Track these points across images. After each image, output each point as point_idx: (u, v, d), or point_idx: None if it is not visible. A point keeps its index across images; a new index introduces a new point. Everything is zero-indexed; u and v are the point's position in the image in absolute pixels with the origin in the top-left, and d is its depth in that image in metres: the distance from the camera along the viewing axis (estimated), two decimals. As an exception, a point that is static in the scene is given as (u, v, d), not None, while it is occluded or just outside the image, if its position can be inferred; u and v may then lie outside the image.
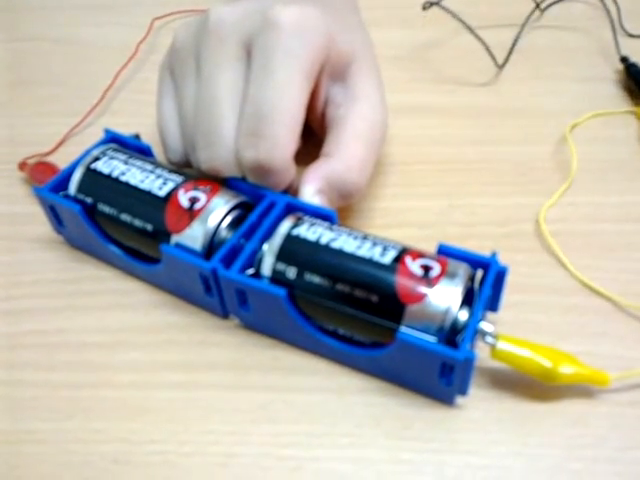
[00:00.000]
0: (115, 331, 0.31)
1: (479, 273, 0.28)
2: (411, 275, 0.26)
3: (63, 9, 0.53)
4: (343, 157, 0.32)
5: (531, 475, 0.26)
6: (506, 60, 0.45)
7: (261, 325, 0.30)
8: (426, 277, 0.26)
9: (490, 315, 0.30)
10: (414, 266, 0.27)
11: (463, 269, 0.27)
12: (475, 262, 0.28)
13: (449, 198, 0.37)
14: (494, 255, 0.28)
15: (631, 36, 0.47)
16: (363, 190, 0.32)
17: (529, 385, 0.28)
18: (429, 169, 0.39)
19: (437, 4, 0.42)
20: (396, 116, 0.40)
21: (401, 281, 0.26)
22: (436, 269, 0.27)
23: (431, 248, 0.29)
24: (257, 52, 0.30)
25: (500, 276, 0.28)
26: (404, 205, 0.37)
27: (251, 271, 0.28)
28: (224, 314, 0.30)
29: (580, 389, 0.28)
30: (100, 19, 0.52)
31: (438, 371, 0.26)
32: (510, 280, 0.31)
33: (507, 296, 0.30)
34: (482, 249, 0.29)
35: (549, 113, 0.42)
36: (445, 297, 0.26)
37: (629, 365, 0.29)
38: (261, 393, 0.28)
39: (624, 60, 0.44)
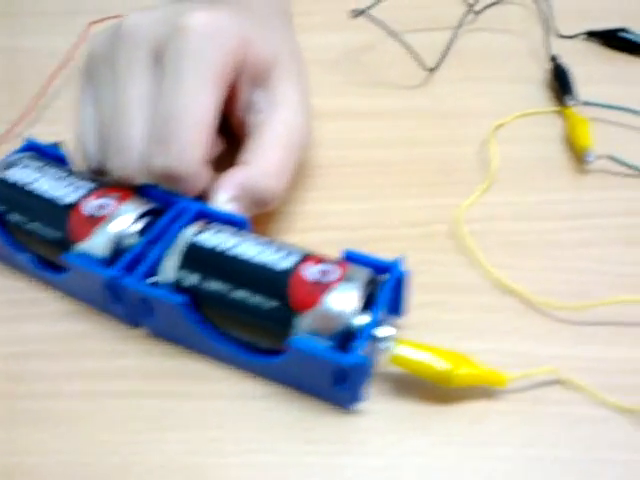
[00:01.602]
0: (26, 341, 0.31)
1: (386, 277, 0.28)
2: (306, 281, 0.26)
3: None
4: (259, 164, 0.32)
5: (428, 475, 0.26)
6: (438, 63, 0.45)
7: (167, 333, 0.30)
8: (322, 282, 0.26)
9: (400, 318, 0.30)
10: (312, 272, 0.27)
11: (362, 274, 0.27)
12: (378, 267, 0.28)
13: (372, 200, 0.37)
14: (396, 259, 0.28)
15: (563, 37, 0.47)
16: (280, 196, 0.32)
17: (431, 387, 0.28)
18: (355, 172, 0.39)
19: (364, 13, 0.42)
20: (326, 119, 0.40)
21: (295, 287, 0.26)
22: (334, 274, 0.27)
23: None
24: (167, 57, 0.30)
25: (400, 280, 0.28)
26: (326, 208, 0.37)
27: (155, 278, 0.28)
28: (133, 323, 0.30)
29: (482, 388, 0.28)
30: (36, 26, 0.52)
31: (332, 377, 0.26)
32: (424, 281, 0.31)
33: (420, 297, 0.30)
34: (400, 251, 0.29)
35: (477, 114, 0.42)
36: (340, 302, 0.26)
37: (538, 362, 0.29)
38: (166, 401, 0.28)
39: (552, 60, 0.44)
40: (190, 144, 0.29)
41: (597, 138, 0.39)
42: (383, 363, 0.28)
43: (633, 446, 0.27)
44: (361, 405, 0.28)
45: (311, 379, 0.27)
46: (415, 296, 0.30)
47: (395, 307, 0.29)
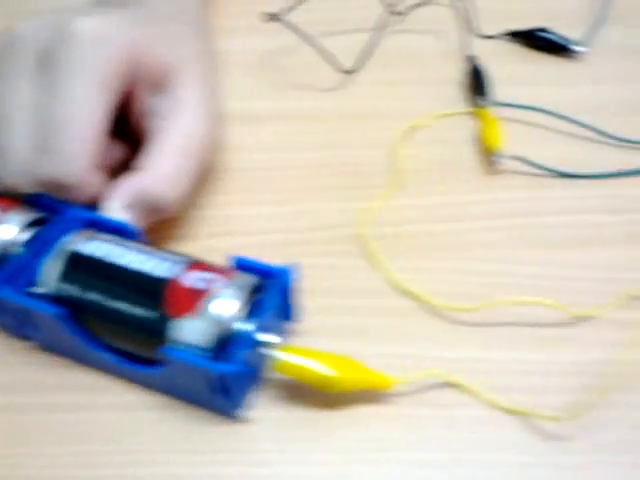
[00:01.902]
0: None
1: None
2: (185, 288, 0.26)
3: None
4: (154, 171, 0.31)
5: (311, 483, 0.26)
6: (356, 66, 0.45)
7: (52, 345, 0.29)
8: (202, 289, 0.26)
9: (294, 324, 0.30)
10: (193, 279, 0.26)
11: (246, 281, 0.27)
12: (266, 273, 0.28)
13: (282, 204, 0.37)
14: (286, 266, 0.28)
15: (485, 37, 0.47)
16: (178, 203, 0.32)
17: (320, 393, 0.28)
18: (267, 175, 0.38)
19: (277, 18, 0.42)
20: (242, 122, 0.40)
21: (172, 294, 0.26)
22: (217, 281, 0.26)
23: (253, 256, 0.29)
24: (53, 64, 0.30)
25: (288, 286, 0.28)
26: (236, 213, 0.36)
27: (36, 289, 0.28)
28: (21, 335, 0.30)
29: (370, 393, 0.28)
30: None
31: (210, 385, 0.25)
32: (324, 285, 0.31)
33: (319, 301, 0.30)
34: (305, 255, 0.29)
35: (392, 116, 0.42)
36: (221, 308, 0.26)
37: (430, 365, 0.29)
38: (51, 414, 0.28)
39: (469, 60, 0.44)
40: (75, 152, 0.29)
41: (510, 139, 0.39)
42: (269, 370, 0.27)
43: (520, 447, 0.27)
44: (250, 413, 0.27)
45: (192, 388, 0.26)
46: (314, 300, 0.30)
47: (286, 313, 0.29)
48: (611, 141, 0.39)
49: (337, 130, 0.41)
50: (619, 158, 0.38)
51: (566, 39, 0.45)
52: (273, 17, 0.42)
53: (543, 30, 0.46)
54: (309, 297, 0.30)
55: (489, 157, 0.38)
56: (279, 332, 0.27)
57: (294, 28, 0.42)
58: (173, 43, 0.34)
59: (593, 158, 0.38)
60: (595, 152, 0.39)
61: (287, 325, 0.30)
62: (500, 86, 0.42)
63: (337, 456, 0.26)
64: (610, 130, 0.39)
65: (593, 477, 0.26)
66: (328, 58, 0.44)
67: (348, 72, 0.44)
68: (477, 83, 0.42)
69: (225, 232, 0.35)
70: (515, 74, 0.44)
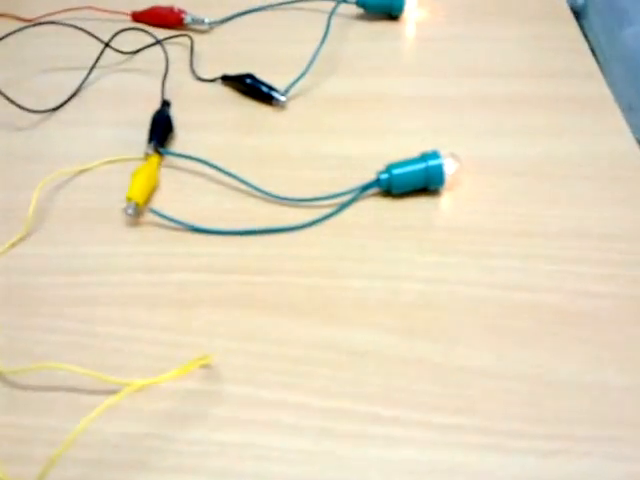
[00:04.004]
0: None
1: None
2: None
3: None
4: None
5: None
6: (59, 105, 0.44)
7: None
8: None
9: None
10: None
11: None
12: None
13: None
14: None
15: (202, 80, 0.47)
16: None
17: None
18: None
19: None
20: None
21: None
22: None
23: None
24: None
25: None
26: None
27: None
28: None
29: None
30: None
31: None
32: None
33: None
34: None
35: (64, 158, 0.41)
36: None
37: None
38: None
39: (162, 105, 0.43)
40: None
41: (170, 188, 0.39)
42: None
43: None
44: None
45: None
46: None
47: None
48: (262, 195, 0.38)
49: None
50: (268, 213, 0.37)
51: (270, 87, 0.44)
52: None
53: (250, 76, 0.45)
54: None
55: (125, 208, 0.37)
56: None
57: None
58: None
59: (242, 212, 0.38)
60: (247, 205, 0.38)
61: None
62: (205, 131, 0.42)
63: None
64: (270, 185, 0.38)
65: None
66: (9, 99, 0.43)
67: (36, 112, 0.43)
68: (153, 129, 0.41)
69: None
70: (223, 119, 0.44)
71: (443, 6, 0.52)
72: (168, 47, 0.48)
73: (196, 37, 0.49)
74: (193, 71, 0.47)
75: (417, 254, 0.35)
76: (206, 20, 0.50)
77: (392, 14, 0.51)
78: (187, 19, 0.49)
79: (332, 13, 0.48)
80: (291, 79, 0.44)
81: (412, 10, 0.51)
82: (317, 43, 0.46)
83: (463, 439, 0.28)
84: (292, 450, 0.28)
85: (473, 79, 0.45)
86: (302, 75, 0.44)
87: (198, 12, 0.50)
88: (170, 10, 0.50)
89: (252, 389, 0.30)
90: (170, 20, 0.49)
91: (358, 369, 0.30)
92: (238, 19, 0.52)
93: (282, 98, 0.44)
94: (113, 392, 0.28)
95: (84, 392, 0.30)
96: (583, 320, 0.32)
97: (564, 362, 0.30)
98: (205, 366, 0.30)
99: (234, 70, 0.46)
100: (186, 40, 0.49)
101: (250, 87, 0.45)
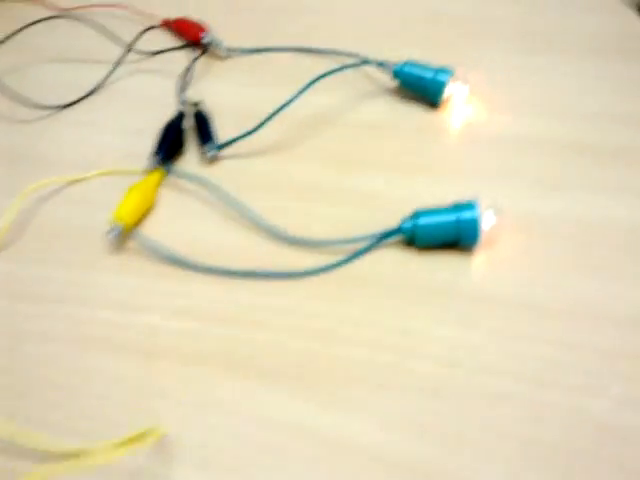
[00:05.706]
0: None
1: None
2: None
3: None
4: None
5: None
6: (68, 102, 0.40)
7: None
8: None
9: None
10: None
11: None
12: None
13: None
14: None
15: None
16: None
17: None
18: None
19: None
20: None
21: None
22: None
23: None
24: None
25: None
26: None
27: None
28: None
29: None
30: None
31: None
32: None
33: None
34: None
35: (62, 164, 0.37)
36: None
37: None
38: None
39: (179, 112, 0.39)
40: None
41: (167, 212, 0.34)
42: None
43: None
44: None
45: None
46: None
47: None
48: (267, 231, 0.33)
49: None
50: (270, 251, 0.32)
51: (211, 135, 0.39)
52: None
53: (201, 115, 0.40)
54: None
55: (108, 231, 0.32)
56: None
57: None
58: None
59: (242, 248, 0.32)
60: (248, 241, 0.33)
61: None
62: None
63: None
64: (280, 218, 0.33)
65: None
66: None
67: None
68: (162, 141, 0.37)
69: None
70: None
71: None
72: (183, 60, 0.43)
73: (209, 59, 0.44)
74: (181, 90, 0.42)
75: (434, 325, 0.29)
76: (224, 45, 0.44)
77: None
78: (206, 38, 0.44)
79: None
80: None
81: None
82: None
83: None
84: None
85: (535, 118, 0.39)
86: (255, 130, 0.37)
87: (236, 39, 0.45)
88: (192, 24, 0.45)
89: (206, 477, 0.25)
90: (189, 34, 0.45)
91: (336, 467, 0.25)
92: (263, 53, 0.45)
93: (210, 152, 0.36)
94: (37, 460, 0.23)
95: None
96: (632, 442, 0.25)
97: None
98: (156, 439, 0.25)
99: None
100: (206, 58, 0.44)
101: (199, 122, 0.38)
